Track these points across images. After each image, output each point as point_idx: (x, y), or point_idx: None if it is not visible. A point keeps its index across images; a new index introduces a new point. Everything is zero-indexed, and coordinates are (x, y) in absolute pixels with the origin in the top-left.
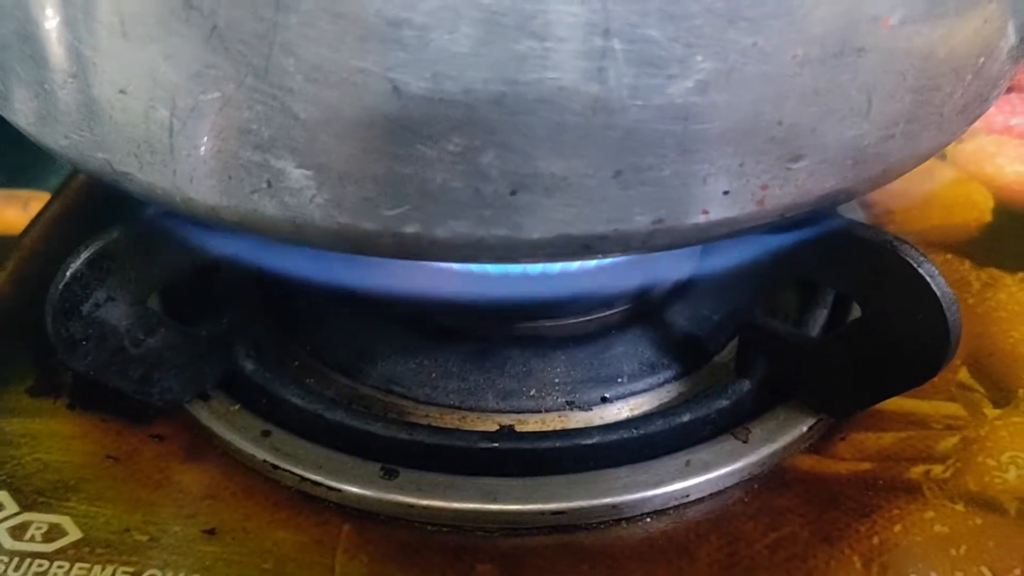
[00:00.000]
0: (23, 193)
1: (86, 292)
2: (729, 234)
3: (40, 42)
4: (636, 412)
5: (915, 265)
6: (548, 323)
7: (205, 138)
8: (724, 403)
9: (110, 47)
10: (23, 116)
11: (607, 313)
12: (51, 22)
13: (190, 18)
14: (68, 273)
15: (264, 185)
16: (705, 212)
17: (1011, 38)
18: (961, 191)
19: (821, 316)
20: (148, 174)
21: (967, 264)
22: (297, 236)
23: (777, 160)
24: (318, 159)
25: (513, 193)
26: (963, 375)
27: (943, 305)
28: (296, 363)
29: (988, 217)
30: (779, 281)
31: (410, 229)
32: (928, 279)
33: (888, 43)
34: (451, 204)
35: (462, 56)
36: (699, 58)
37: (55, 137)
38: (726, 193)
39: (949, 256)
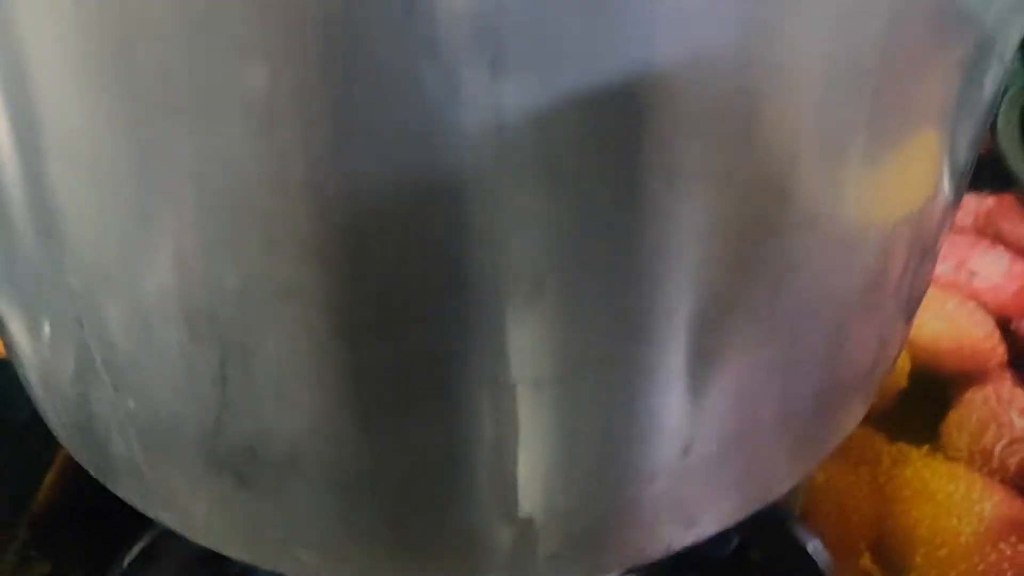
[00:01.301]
0: None
1: (139, 568)
2: None
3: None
4: None
5: (803, 543)
6: None
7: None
8: None
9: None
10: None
11: None
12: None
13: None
14: (125, 564)
15: None
16: None
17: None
18: None
19: (735, 537)
20: (171, 523)
21: (881, 438)
22: None
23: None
24: None
25: None
26: (866, 560)
27: None
28: None
29: (904, 383)
30: None
31: None
32: (814, 557)
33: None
34: None
35: None
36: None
37: (103, 477)
38: None
39: (867, 429)
